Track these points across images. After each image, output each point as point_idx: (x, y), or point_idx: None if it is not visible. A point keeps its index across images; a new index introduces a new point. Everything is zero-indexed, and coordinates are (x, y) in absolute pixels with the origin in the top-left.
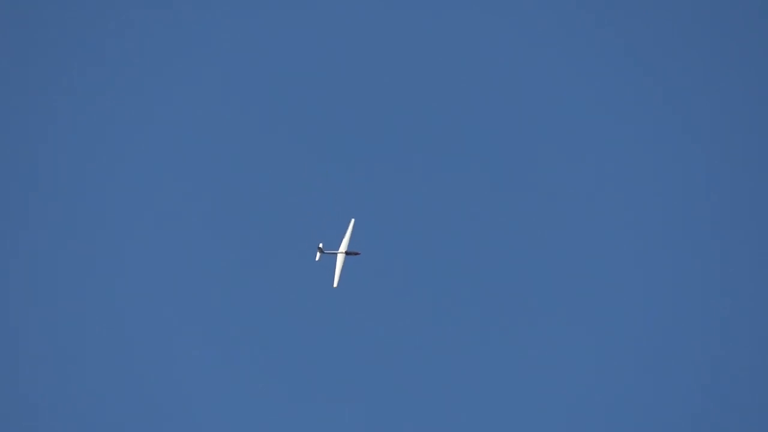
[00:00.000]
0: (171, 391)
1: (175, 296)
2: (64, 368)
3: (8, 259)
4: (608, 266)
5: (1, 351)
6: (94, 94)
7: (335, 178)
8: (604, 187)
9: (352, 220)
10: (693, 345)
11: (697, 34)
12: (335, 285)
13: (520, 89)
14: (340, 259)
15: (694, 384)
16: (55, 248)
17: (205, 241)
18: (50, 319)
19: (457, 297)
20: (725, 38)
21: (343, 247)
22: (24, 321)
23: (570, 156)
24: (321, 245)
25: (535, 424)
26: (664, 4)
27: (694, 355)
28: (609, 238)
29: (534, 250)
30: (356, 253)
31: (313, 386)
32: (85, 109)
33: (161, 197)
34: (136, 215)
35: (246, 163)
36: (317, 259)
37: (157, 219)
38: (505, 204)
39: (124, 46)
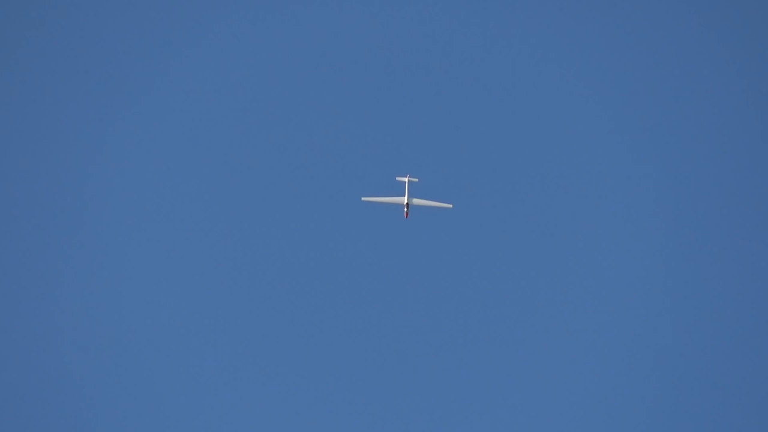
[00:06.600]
0: (173, 390)
1: (176, 297)
2: (61, 368)
3: (7, 258)
4: (606, 269)
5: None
6: (90, 92)
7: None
8: (603, 191)
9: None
10: (690, 349)
11: (700, 35)
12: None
13: (519, 91)
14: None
15: (693, 389)
16: (54, 247)
17: (207, 240)
18: (48, 318)
19: (452, 298)
20: (727, 39)
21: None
22: (22, 320)
23: (568, 159)
24: (407, 202)
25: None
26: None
27: (692, 360)
28: (607, 241)
29: (533, 254)
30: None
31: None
32: (80, 108)
33: (162, 195)
34: (137, 214)
35: (245, 161)
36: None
37: (158, 217)
38: (503, 206)
39: (124, 45)
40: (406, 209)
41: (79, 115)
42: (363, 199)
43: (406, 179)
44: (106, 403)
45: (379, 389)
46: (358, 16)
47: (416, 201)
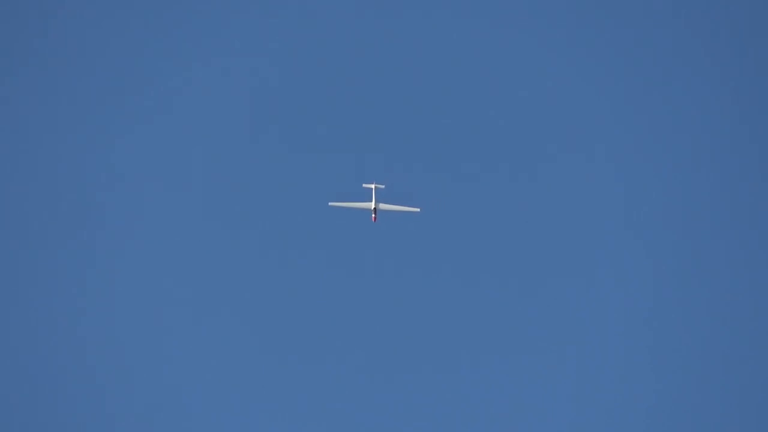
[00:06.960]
0: (175, 389)
1: (178, 293)
2: (63, 367)
3: (9, 257)
4: (599, 268)
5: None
6: (90, 93)
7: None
8: (603, 197)
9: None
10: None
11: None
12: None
13: (519, 94)
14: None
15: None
16: (53, 247)
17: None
18: (48, 319)
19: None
20: (728, 40)
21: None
22: (23, 320)
23: (547, 159)
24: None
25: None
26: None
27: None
28: (594, 240)
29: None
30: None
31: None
32: (81, 108)
33: (162, 194)
34: (136, 213)
35: (243, 160)
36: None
37: (157, 216)
38: (502, 213)
39: (124, 45)
40: (373, 214)
41: (78, 116)
42: (330, 204)
43: (372, 186)
44: (106, 404)
45: (373, 389)
46: (330, 21)
47: (383, 206)
